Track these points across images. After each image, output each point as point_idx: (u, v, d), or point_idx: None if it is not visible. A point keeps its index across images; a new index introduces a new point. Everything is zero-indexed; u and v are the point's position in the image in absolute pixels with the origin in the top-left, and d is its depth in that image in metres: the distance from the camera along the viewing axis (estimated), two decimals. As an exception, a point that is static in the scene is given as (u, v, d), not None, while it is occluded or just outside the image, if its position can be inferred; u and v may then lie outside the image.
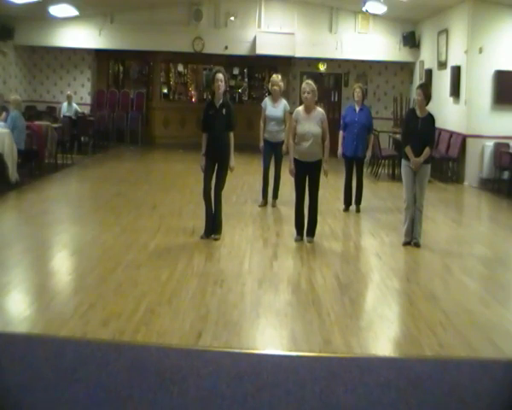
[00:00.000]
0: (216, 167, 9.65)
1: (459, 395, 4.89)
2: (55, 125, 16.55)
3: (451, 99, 17.29)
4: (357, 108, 12.34)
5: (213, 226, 9.70)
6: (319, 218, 10.05)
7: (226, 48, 20.99)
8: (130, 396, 4.79)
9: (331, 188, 13.71)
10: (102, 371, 5.06)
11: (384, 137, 18.56)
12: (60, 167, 16.11)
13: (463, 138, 16.35)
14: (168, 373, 5.05)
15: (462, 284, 8.29)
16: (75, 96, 21.43)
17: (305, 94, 9.64)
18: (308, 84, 9.68)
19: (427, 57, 19.82)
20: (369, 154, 12.49)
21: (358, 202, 12.44)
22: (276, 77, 12.56)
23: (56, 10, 18.99)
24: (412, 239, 9.79)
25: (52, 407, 4.66)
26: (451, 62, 17.36)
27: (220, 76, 9.49)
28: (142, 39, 20.84)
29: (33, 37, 20.99)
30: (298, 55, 20.96)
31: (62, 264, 8.74)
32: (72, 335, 5.92)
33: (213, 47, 21.07)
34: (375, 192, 14.86)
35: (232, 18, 21.02)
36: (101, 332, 5.99)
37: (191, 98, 24.22)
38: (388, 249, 9.81)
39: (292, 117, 9.95)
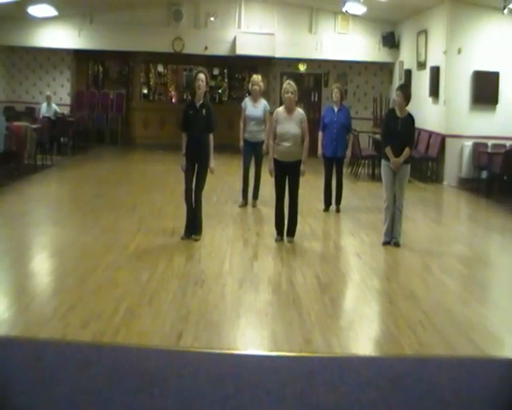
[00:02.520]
0: (196, 168, 9.65)
1: (438, 393, 4.91)
2: (35, 126, 16.44)
3: (430, 99, 17.38)
4: (336, 109, 12.36)
5: (193, 227, 9.69)
6: (299, 218, 10.06)
7: (206, 48, 20.94)
8: (110, 398, 4.78)
9: (311, 188, 13.74)
10: (82, 373, 5.04)
11: (364, 137, 18.63)
12: (39, 168, 16.00)
13: (442, 138, 16.44)
14: (149, 374, 5.04)
15: (441, 283, 8.35)
16: (54, 97, 21.26)
17: (289, 94, 9.62)
18: (290, 85, 9.68)
19: (407, 58, 19.90)
20: (348, 153, 12.54)
21: (338, 201, 12.46)
22: (257, 77, 12.57)
23: (35, 10, 18.87)
24: (392, 239, 9.82)
25: (31, 409, 4.64)
26: (430, 63, 17.45)
27: (202, 76, 9.50)
28: (121, 40, 20.75)
29: (12, 37, 20.80)
30: (278, 55, 20.95)
31: (41, 265, 8.70)
32: (52, 337, 5.89)
33: (193, 47, 21.02)
34: (355, 192, 14.91)
35: (212, 18, 20.98)
36: (81, 334, 5.97)
37: (171, 99, 24.15)
38: (368, 249, 9.85)
39: (272, 117, 9.96)
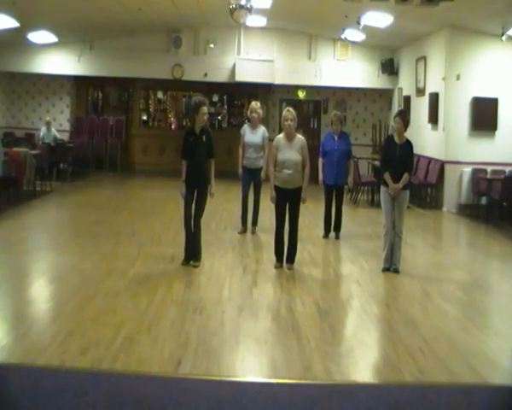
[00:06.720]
0: (195, 194, 9.64)
1: (439, 421, 4.88)
2: (34, 152, 16.47)
3: (430, 126, 17.43)
4: (336, 136, 12.35)
5: (193, 253, 9.67)
6: (299, 244, 10.04)
7: (205, 75, 21.00)
8: (108, 426, 4.74)
9: (310, 215, 13.73)
10: (81, 400, 5.00)
11: (363, 163, 18.66)
12: (38, 194, 16.02)
13: (442, 164, 16.46)
14: (147, 402, 5.00)
15: (441, 309, 8.32)
16: (54, 123, 21.30)
17: (289, 121, 9.62)
18: (290, 112, 9.68)
19: (406, 84, 19.98)
20: (350, 180, 12.52)
21: (338, 228, 12.44)
22: (255, 104, 12.58)
23: (35, 37, 18.99)
24: (391, 265, 9.81)
25: (29, 437, 4.59)
26: (429, 89, 17.51)
27: (205, 109, 9.53)
28: (121, 66, 20.85)
29: (12, 63, 20.91)
30: (277, 82, 21.00)
31: (40, 292, 8.68)
32: (50, 364, 5.86)
33: (193, 74, 21.09)
34: (355, 219, 14.90)
35: (212, 45, 21.07)
36: (80, 361, 5.94)
37: (170, 125, 24.16)
38: (368, 276, 9.83)
39: (272, 144, 9.95)
